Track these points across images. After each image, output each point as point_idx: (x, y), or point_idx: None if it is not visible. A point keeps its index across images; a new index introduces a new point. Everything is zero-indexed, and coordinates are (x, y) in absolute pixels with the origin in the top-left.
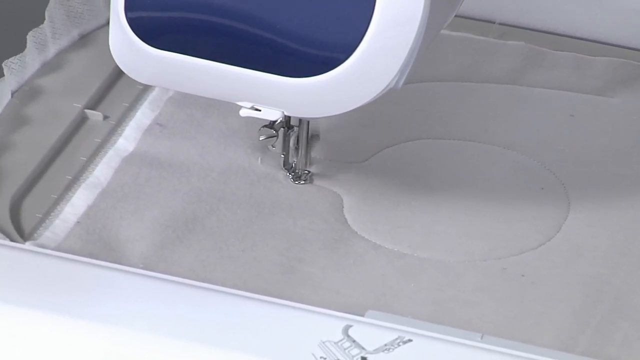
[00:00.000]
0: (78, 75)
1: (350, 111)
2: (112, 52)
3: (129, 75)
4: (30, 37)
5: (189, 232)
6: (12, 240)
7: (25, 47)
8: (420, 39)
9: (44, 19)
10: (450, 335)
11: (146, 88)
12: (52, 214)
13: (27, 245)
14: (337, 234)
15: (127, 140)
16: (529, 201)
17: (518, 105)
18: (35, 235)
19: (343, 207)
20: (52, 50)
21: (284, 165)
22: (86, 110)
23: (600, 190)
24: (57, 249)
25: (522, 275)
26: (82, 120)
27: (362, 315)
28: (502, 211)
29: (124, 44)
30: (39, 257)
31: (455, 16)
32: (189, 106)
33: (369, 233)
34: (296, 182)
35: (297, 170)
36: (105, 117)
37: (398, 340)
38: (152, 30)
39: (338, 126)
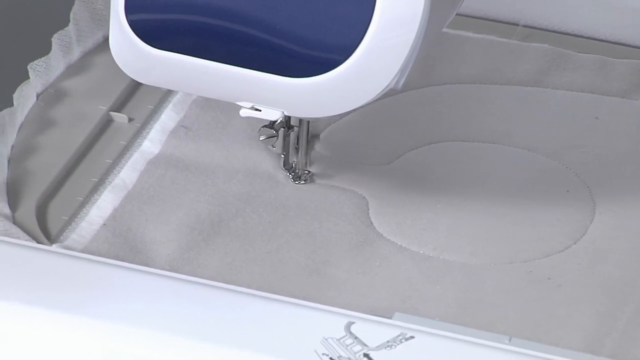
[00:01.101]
0: (103, 77)
1: (375, 114)
2: (112, 52)
3: (129, 75)
4: (55, 39)
5: (214, 234)
6: (38, 242)
7: (51, 49)
8: (420, 39)
9: (69, 21)
10: (477, 337)
11: (171, 90)
12: (78, 216)
13: (54, 247)
14: (362, 237)
15: (152, 142)
16: (554, 204)
17: (542, 107)
18: (62, 237)
19: (368, 209)
20: (77, 53)
21: (284, 165)
22: (111, 113)
23: (626, 192)
24: (84, 251)
25: (548, 278)
26: (107, 122)
27: (390, 318)
28: (527, 214)
29: (124, 44)
30: (65, 259)
31: (479, 18)
32: (214, 109)
33: (394, 235)
34: (296, 182)
35: (297, 170)
36: (130, 120)
37: (400, 337)
38: (152, 30)
39: (362, 129)
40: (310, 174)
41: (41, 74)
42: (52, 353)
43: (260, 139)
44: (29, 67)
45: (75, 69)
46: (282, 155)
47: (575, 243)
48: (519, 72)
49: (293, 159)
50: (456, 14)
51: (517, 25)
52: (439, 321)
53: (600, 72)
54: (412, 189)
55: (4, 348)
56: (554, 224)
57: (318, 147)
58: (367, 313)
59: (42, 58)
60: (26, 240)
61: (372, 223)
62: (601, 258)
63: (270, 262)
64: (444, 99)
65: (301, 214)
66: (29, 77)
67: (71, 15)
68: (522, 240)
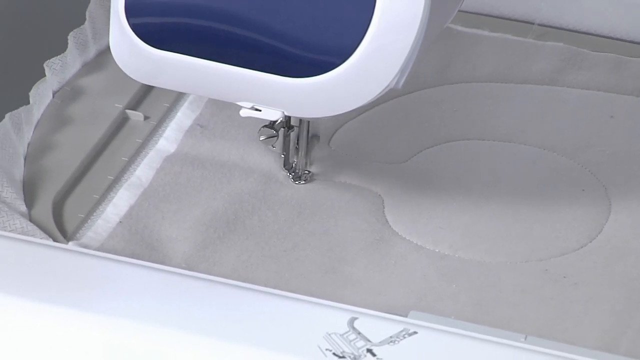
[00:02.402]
0: (119, 75)
1: (390, 112)
2: (112, 52)
3: (130, 75)
4: (71, 37)
5: (230, 232)
6: (54, 240)
7: (67, 47)
8: (420, 39)
9: (85, 19)
10: (493, 336)
11: None
12: (94, 214)
13: (70, 245)
14: (378, 235)
15: (167, 140)
16: (570, 203)
17: (557, 106)
18: (78, 235)
19: (384, 207)
20: (92, 51)
21: (284, 166)
22: (127, 111)
23: None
24: (100, 249)
25: (564, 277)
26: (123, 120)
27: (405, 316)
28: (543, 212)
29: (124, 44)
30: (81, 257)
31: (494, 17)
32: (229, 107)
33: (410, 234)
34: (296, 182)
35: (297, 171)
36: (146, 118)
37: (403, 333)
38: (152, 30)
39: (378, 127)
40: (310, 174)
41: (57, 72)
42: (68, 351)
43: (260, 139)
44: (45, 65)
45: (91, 67)
46: (282, 156)
47: (590, 242)
48: (534, 71)
49: (293, 159)
50: (471, 13)
51: (532, 24)
52: (455, 319)
53: (615, 70)
54: (428, 188)
55: (21, 345)
56: (569, 222)
57: (333, 144)
58: (382, 311)
59: (58, 56)
60: (42, 238)
61: (387, 221)
62: (617, 257)
63: (286, 260)
64: (459, 98)
65: (317, 212)
66: (45, 75)
67: (87, 13)
68: (538, 238)
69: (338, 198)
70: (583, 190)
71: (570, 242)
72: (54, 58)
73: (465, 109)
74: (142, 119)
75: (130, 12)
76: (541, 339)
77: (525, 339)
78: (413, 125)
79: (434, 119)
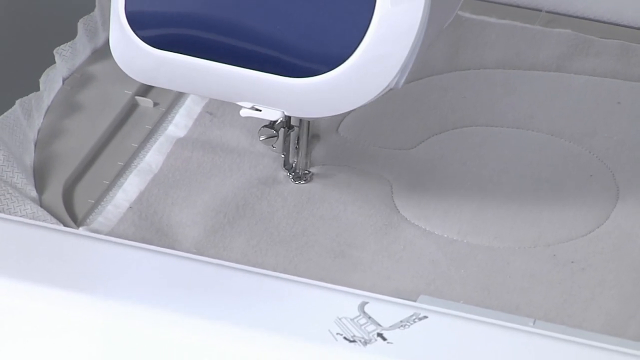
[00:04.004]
0: None
1: (399, 99)
2: (112, 51)
3: (130, 75)
4: (81, 24)
5: (239, 217)
6: (65, 225)
7: (76, 34)
8: (420, 39)
9: (95, 6)
10: (502, 320)
11: None
12: (104, 200)
13: (81, 230)
14: (387, 220)
15: (177, 127)
16: (578, 188)
17: (565, 92)
18: (88, 220)
19: (392, 193)
20: (102, 38)
21: (284, 166)
22: (136, 97)
23: None
24: (110, 234)
25: (572, 262)
26: (132, 107)
27: (414, 301)
28: (551, 198)
29: (124, 44)
30: (92, 242)
31: (502, 4)
32: None
33: (418, 219)
34: (296, 183)
35: (297, 171)
36: (156, 104)
37: (414, 317)
38: (152, 30)
39: (386, 114)
40: (310, 174)
41: (67, 58)
42: (78, 334)
43: (261, 139)
44: (55, 51)
45: (100, 53)
46: (282, 156)
47: (598, 227)
48: (542, 58)
49: (293, 159)
50: (480, 0)
51: (540, 11)
52: (463, 304)
53: (623, 57)
54: (436, 173)
55: (31, 329)
56: (577, 208)
57: (342, 131)
58: (391, 296)
59: (68, 43)
60: (53, 223)
61: (396, 207)
62: (624, 242)
63: (295, 245)
64: (468, 85)
65: (326, 197)
66: (55, 62)
67: (97, 0)
68: (546, 224)
69: (347, 183)
70: (591, 176)
71: (578, 227)
72: (64, 45)
73: (474, 96)
74: (151, 105)
75: (130, 12)
76: (549, 324)
77: (534, 323)
78: (422, 111)
79: (443, 106)
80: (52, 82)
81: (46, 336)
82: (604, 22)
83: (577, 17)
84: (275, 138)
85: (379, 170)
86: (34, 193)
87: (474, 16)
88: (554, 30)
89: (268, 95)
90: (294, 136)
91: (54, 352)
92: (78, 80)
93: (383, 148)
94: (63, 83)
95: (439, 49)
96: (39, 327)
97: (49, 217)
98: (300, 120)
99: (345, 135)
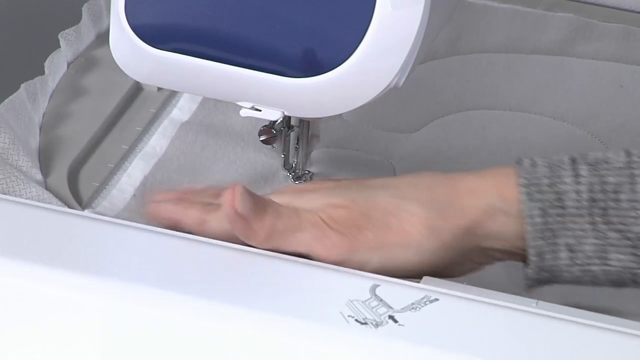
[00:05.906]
0: None
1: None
2: (112, 51)
3: (130, 75)
4: (85, 9)
5: None
6: (70, 208)
7: (81, 18)
8: (420, 39)
9: None
10: (505, 301)
11: None
12: (109, 183)
13: (86, 212)
14: None
15: (181, 110)
16: None
17: (567, 76)
18: (94, 204)
19: (396, 176)
20: (107, 22)
21: (284, 166)
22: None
23: None
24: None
25: None
26: (136, 90)
27: (418, 282)
28: None
29: (125, 44)
30: (98, 224)
31: None
32: None
33: None
34: (297, 183)
35: (297, 171)
36: (160, 88)
37: (425, 299)
38: (152, 30)
39: (389, 97)
40: (310, 174)
41: (72, 42)
42: (84, 316)
43: (261, 139)
44: (59, 35)
45: (105, 38)
46: (282, 156)
47: None
48: (544, 42)
49: (293, 159)
50: None
51: None
52: (466, 285)
53: (625, 41)
54: (439, 157)
55: (36, 311)
56: None
57: (345, 114)
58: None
59: (73, 27)
60: (58, 205)
61: None
62: None
63: None
64: (471, 68)
65: None
66: (59, 46)
67: None
68: None
69: (350, 167)
70: None
71: None
72: (68, 29)
73: (477, 79)
74: (155, 89)
75: (130, 12)
76: (552, 304)
77: (537, 304)
78: (425, 95)
79: (446, 89)
80: (57, 66)
81: (51, 318)
82: (606, 6)
83: (579, 1)
84: (275, 138)
85: (382, 153)
86: (39, 176)
87: (476, 1)
88: (556, 15)
89: (268, 95)
90: (294, 136)
91: (59, 333)
92: (83, 64)
93: (386, 131)
94: (68, 67)
95: (442, 33)
96: (44, 308)
97: (54, 199)
98: (300, 120)
99: (347, 118)
